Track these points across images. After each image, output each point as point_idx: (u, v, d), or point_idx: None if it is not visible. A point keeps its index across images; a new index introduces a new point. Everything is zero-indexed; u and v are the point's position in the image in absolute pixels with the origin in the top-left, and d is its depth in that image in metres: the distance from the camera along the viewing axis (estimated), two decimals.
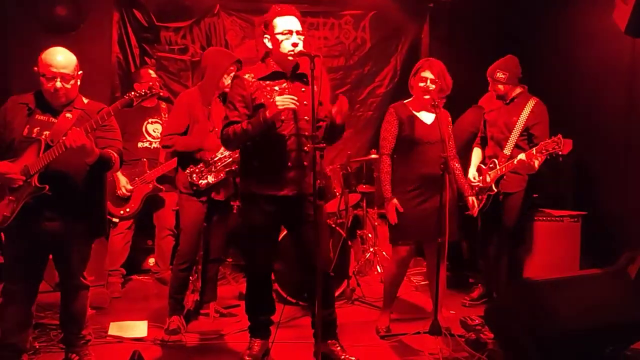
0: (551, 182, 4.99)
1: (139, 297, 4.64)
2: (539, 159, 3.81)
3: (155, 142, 4.76)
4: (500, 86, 4.21)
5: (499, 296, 4.24)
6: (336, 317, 3.35)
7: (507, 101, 4.24)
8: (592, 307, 2.90)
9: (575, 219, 4.69)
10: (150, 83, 3.07)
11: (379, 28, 6.18)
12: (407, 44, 6.25)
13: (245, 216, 3.24)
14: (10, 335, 3.02)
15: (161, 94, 3.14)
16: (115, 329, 3.74)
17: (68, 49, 3.01)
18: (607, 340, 2.91)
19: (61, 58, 2.92)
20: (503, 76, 4.18)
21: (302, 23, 3.10)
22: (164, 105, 4.90)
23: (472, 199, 3.84)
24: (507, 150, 4.13)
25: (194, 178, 3.73)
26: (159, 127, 4.79)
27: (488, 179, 4.19)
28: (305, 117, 3.06)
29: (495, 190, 4.17)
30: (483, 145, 4.43)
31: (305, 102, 3.05)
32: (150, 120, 4.79)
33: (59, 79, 2.90)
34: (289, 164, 3.06)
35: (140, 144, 4.69)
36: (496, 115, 4.28)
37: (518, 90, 4.22)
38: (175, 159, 4.43)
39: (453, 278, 4.78)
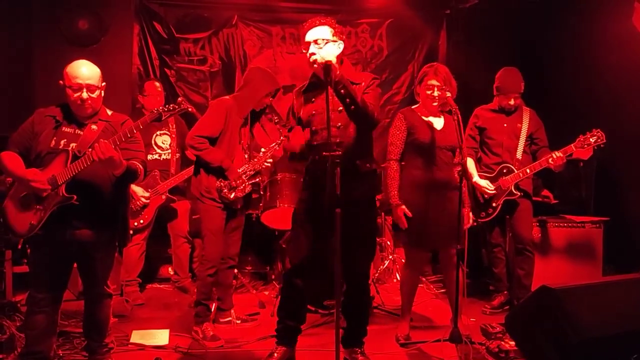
0: (572, 188, 4.95)
1: (160, 305, 4.68)
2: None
3: (165, 154, 4.79)
4: (519, 99, 4.31)
5: (520, 303, 4.20)
6: (366, 326, 3.37)
7: (512, 110, 4.33)
8: (616, 314, 2.86)
9: (597, 225, 4.64)
10: (180, 98, 3.11)
11: (395, 35, 6.21)
12: (424, 50, 6.26)
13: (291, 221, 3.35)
14: (35, 343, 3.07)
15: (189, 109, 3.18)
16: (138, 336, 3.78)
17: (90, 62, 3.08)
18: (631, 347, 2.87)
19: (86, 70, 3.00)
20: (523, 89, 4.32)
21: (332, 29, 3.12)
22: None
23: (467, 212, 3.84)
24: (519, 155, 4.26)
25: (225, 192, 3.77)
26: (167, 139, 4.82)
27: (508, 184, 4.22)
28: (339, 124, 3.11)
29: (518, 193, 4.23)
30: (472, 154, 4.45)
31: (340, 109, 3.07)
32: (158, 132, 4.81)
33: (85, 90, 2.98)
34: (320, 172, 3.07)
35: (150, 157, 4.66)
36: (496, 124, 4.35)
37: None
38: (188, 170, 4.51)
39: (473, 285, 4.74)
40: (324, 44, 3.05)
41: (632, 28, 4.61)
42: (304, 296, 3.38)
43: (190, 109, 3.20)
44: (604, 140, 3.90)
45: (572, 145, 3.97)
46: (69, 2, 5.46)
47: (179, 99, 3.10)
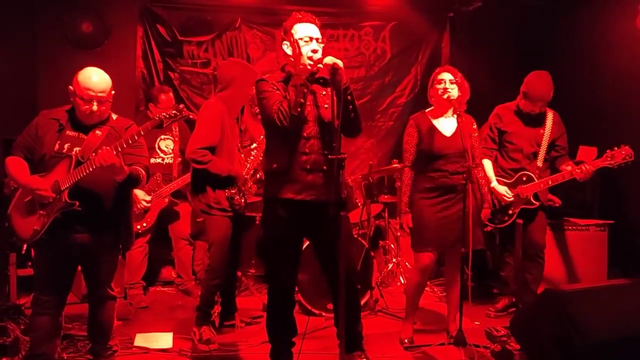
0: (577, 191, 4.93)
1: (164, 308, 4.68)
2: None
3: (168, 158, 4.81)
4: (545, 107, 4.17)
5: (525, 306, 4.19)
6: (362, 329, 3.31)
7: (536, 116, 4.18)
8: (621, 317, 2.86)
9: (602, 228, 4.63)
10: (181, 105, 3.10)
11: (399, 38, 6.20)
12: (427, 53, 6.25)
13: (266, 225, 3.19)
14: (39, 345, 3.07)
15: (191, 117, 3.17)
16: (141, 340, 3.78)
17: (93, 65, 3.06)
18: (636, 351, 2.86)
19: (99, 82, 2.96)
20: None
21: (322, 33, 3.06)
22: None
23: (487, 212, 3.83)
24: (539, 162, 4.15)
25: (237, 199, 3.74)
26: (170, 144, 4.84)
27: (527, 192, 4.13)
28: (325, 121, 3.02)
29: (537, 203, 4.14)
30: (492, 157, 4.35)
31: (325, 106, 3.02)
32: (162, 136, 4.82)
33: (95, 103, 2.95)
34: (308, 166, 2.99)
35: (153, 160, 4.66)
36: (517, 129, 4.20)
37: None
38: (189, 173, 4.52)
39: (477, 288, 4.73)
40: (321, 44, 3.00)
41: (636, 30, 4.60)
42: (292, 306, 3.29)
43: (191, 116, 3.19)
44: (632, 159, 3.82)
45: (599, 160, 3.90)
46: (72, 5, 5.47)
47: (180, 105, 3.09)
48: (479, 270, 4.80)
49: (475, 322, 4.12)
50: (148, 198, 4.56)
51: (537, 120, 4.18)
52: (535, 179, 4.13)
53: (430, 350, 3.64)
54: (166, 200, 4.71)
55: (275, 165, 3.04)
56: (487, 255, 5.04)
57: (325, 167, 2.98)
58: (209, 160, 3.65)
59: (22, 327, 3.64)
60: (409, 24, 6.14)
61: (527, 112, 4.15)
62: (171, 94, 4.91)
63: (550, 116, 4.18)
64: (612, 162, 3.85)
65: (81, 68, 3.04)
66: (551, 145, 4.19)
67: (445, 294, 4.41)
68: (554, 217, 4.74)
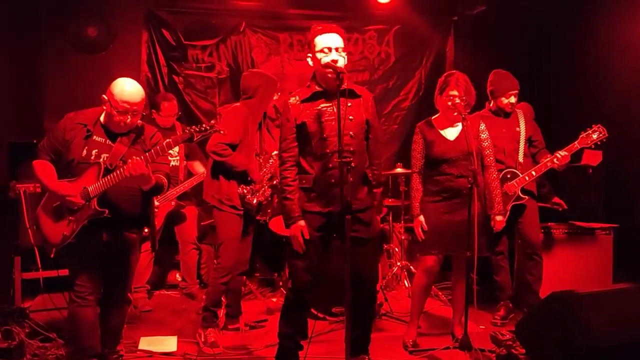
0: (582, 194, 4.92)
1: (168, 312, 4.67)
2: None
3: (174, 161, 4.81)
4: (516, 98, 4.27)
5: (530, 310, 4.18)
6: (370, 333, 3.33)
7: (509, 112, 4.28)
8: (626, 321, 2.85)
9: (607, 232, 4.60)
10: (213, 121, 3.16)
11: (403, 42, 6.22)
12: (431, 57, 6.27)
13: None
14: (86, 338, 3.06)
15: (222, 132, 3.21)
16: (146, 343, 3.78)
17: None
18: None
19: (135, 94, 2.99)
20: None
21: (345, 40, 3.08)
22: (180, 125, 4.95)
23: (499, 217, 3.79)
24: (520, 158, 4.23)
25: (248, 198, 3.81)
26: (176, 147, 4.84)
27: (514, 188, 4.18)
28: (350, 133, 3.06)
29: (525, 197, 4.19)
30: None
31: (350, 118, 3.05)
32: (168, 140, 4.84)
33: (130, 115, 2.98)
34: (333, 180, 3.04)
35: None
36: (494, 130, 4.16)
37: None
38: (197, 176, 4.61)
39: (483, 292, 4.70)
40: (343, 52, 3.03)
41: None
42: (307, 311, 3.35)
43: (222, 132, 3.24)
44: (606, 135, 3.91)
45: (575, 142, 3.98)
46: (77, 9, 5.48)
47: (212, 121, 3.14)
48: (484, 275, 4.78)
49: (481, 326, 4.10)
50: (156, 203, 4.57)
51: (511, 120, 4.28)
52: (519, 174, 4.19)
53: (435, 354, 3.63)
54: (173, 203, 4.72)
55: (304, 181, 3.11)
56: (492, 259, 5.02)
57: (351, 179, 2.95)
58: (229, 154, 3.77)
59: (27, 330, 3.65)
60: (413, 27, 6.16)
61: (502, 107, 4.25)
62: (174, 102, 4.89)
63: (521, 114, 4.30)
64: (588, 142, 3.95)
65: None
66: (528, 142, 4.28)
67: (450, 297, 4.38)
68: (559, 221, 4.73)
